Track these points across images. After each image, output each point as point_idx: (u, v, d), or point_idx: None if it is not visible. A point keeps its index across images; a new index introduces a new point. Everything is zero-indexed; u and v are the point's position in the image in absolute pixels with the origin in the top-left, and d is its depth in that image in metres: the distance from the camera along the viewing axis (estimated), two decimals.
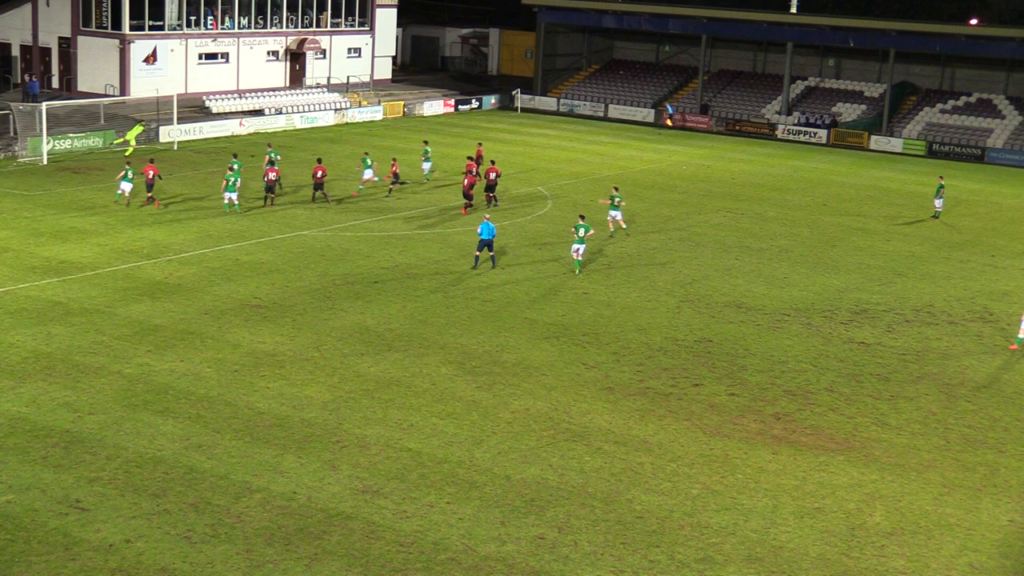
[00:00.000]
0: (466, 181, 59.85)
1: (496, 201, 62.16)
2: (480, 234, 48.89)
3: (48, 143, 71.87)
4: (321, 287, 45.85)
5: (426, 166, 68.34)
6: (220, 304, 42.75)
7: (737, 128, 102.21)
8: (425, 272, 48.99)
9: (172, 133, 79.94)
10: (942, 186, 66.52)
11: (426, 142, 71.55)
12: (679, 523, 27.58)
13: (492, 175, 61.69)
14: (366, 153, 66.99)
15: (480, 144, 67.93)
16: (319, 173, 59.63)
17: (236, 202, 56.10)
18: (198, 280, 45.84)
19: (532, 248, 54.21)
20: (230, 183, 55.17)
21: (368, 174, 64.16)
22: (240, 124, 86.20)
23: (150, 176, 58.49)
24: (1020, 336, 41.78)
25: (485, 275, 48.79)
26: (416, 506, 27.60)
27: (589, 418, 33.74)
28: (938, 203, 66.24)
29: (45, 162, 70.57)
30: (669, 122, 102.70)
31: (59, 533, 25.36)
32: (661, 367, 38.58)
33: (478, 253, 49.13)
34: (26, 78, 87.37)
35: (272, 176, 59.27)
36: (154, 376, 35.22)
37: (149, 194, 58.50)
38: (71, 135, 75.42)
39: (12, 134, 74.52)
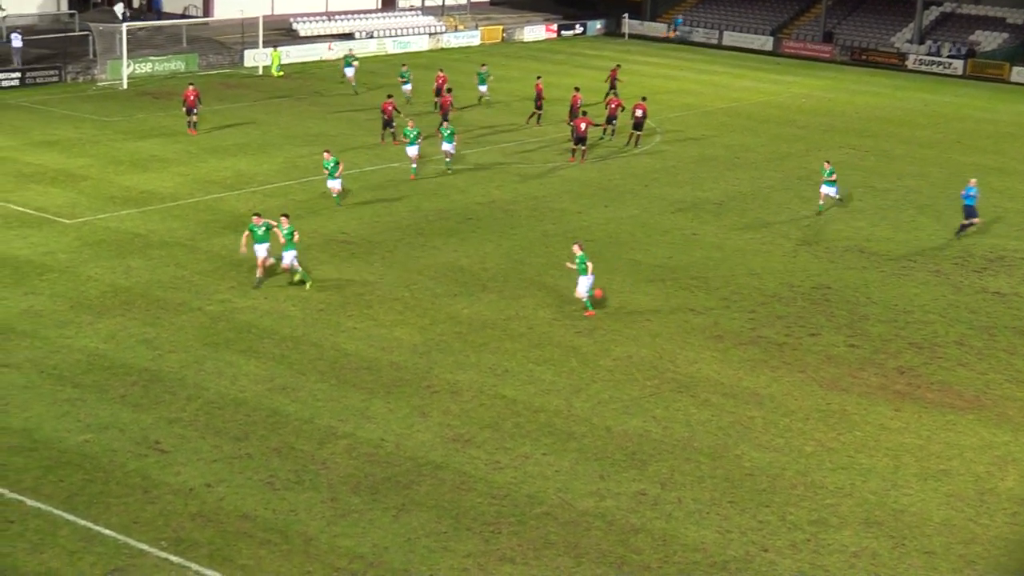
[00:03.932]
0: (583, 125, 57.69)
1: (619, 136, 62.13)
2: None
3: (128, 66, 72.85)
4: (413, 223, 46.02)
5: (483, 88, 69.56)
6: (305, 239, 43.06)
7: (863, 58, 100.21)
8: (523, 208, 48.92)
9: (257, 57, 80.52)
10: None
11: (484, 65, 72.20)
12: (791, 482, 27.38)
13: (639, 112, 61.28)
14: (483, 65, 67.88)
15: (539, 78, 67.21)
16: (389, 108, 58.79)
17: (338, 192, 47.97)
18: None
19: (638, 185, 53.85)
20: (329, 170, 47.79)
21: (483, 88, 68.20)
22: (329, 48, 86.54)
23: (191, 100, 58.81)
24: None
25: (586, 212, 48.61)
26: (510, 457, 27.72)
27: (696, 368, 33.56)
28: None
29: (125, 86, 71.59)
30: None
31: (138, 475, 25.91)
32: (775, 315, 38.20)
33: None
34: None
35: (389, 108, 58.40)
36: (237, 314, 35.70)
37: (190, 117, 58.92)
38: (152, 58, 76.39)
39: (91, 56, 75.64)
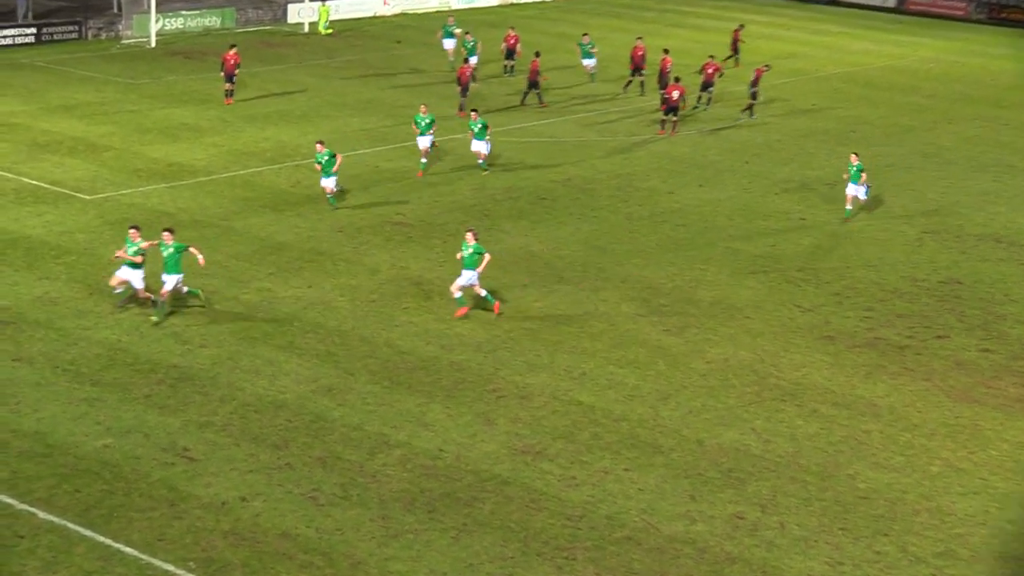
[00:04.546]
0: (675, 92, 57.28)
1: (703, 104, 61.88)
2: None
3: (157, 22, 73.51)
4: (477, 203, 46.06)
5: (588, 63, 66.90)
6: (356, 220, 43.30)
7: (1002, 16, 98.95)
8: (605, 188, 48.83)
9: (303, 13, 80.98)
10: None
11: (586, 35, 69.41)
12: (913, 507, 27.13)
13: (710, 70, 61.39)
14: (585, 35, 67.25)
15: (640, 39, 66.84)
16: (467, 73, 59.00)
17: (333, 192, 44.89)
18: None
19: (736, 161, 53.57)
20: (323, 165, 44.56)
21: (590, 63, 66.38)
22: (384, 3, 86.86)
23: (231, 64, 58.67)
24: None
25: (678, 193, 48.43)
26: (587, 472, 27.66)
27: (803, 373, 33.33)
28: None
29: (153, 44, 72.24)
30: None
31: (164, 486, 26.13)
32: (895, 313, 37.86)
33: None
34: None
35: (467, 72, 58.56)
36: (276, 304, 35.91)
37: (229, 85, 59.00)
38: (184, 13, 77.06)
39: (116, 10, 76.46)
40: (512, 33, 67.52)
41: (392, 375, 31.84)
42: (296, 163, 49.75)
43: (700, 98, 62.09)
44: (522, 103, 60.97)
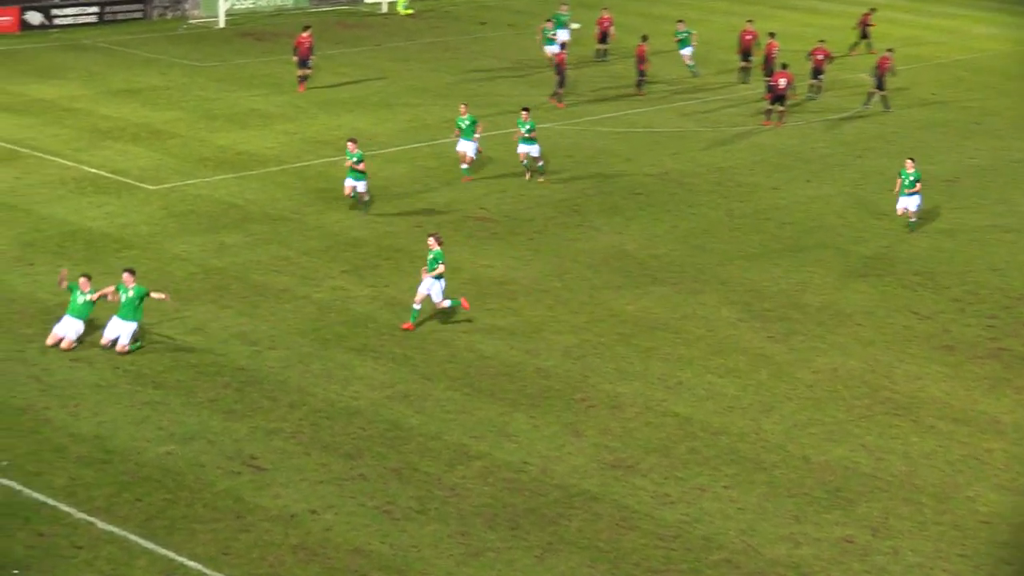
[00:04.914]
0: (782, 81, 56.93)
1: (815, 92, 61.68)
2: None
3: (226, 1, 74.20)
4: (567, 197, 46.12)
5: (686, 53, 65.96)
6: (436, 215, 43.47)
7: None
8: (704, 182, 48.71)
9: None
10: None
11: (681, 22, 68.24)
12: None
13: (820, 56, 61.18)
14: (680, 22, 67.13)
15: (750, 22, 66.43)
16: (564, 59, 59.05)
17: (359, 193, 43.75)
18: (409, 183, 46.73)
19: (848, 155, 53.23)
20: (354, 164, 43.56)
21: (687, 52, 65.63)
22: None
23: (305, 48, 58.79)
24: None
25: (783, 189, 48.23)
26: (682, 489, 27.63)
27: (919, 385, 33.08)
28: None
29: (222, 24, 72.99)
30: None
31: (229, 496, 26.39)
32: (1022, 322, 37.47)
33: None
34: None
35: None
36: (351, 304, 36.16)
37: (303, 70, 59.18)
38: None
39: None
40: (606, 15, 67.53)
41: (473, 381, 31.97)
42: (373, 152, 49.98)
43: (810, 87, 61.77)
44: (640, 92, 60.91)
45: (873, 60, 62.62)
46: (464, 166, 47.11)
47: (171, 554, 24.20)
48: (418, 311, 34.74)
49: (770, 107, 57.35)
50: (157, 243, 39.74)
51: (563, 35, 66.02)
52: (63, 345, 31.94)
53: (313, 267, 38.53)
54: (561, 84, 58.33)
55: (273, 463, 27.66)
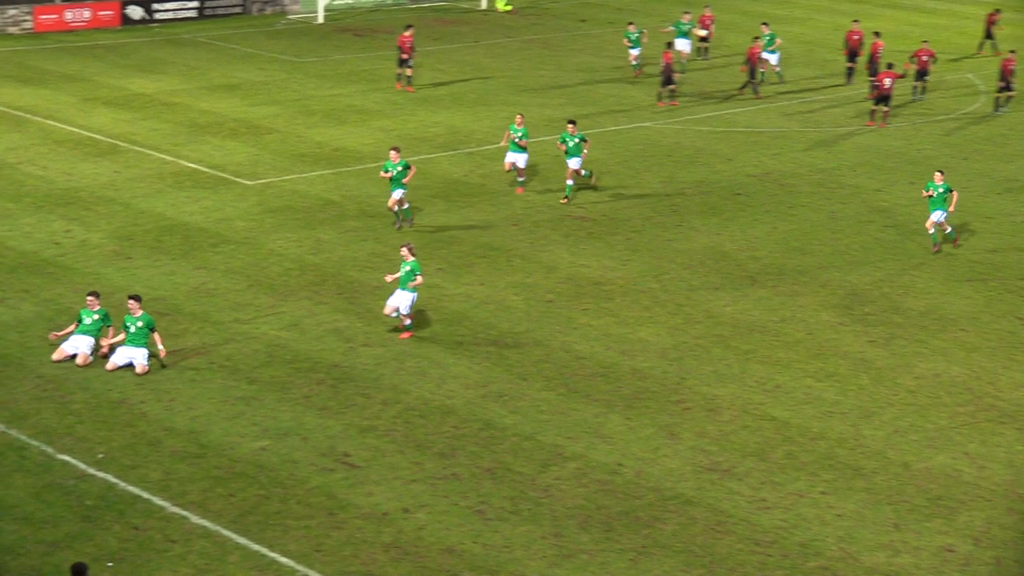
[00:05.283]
0: (887, 80, 55.97)
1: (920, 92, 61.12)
2: None
3: None
4: (665, 197, 46.04)
5: (772, 58, 63.54)
6: (533, 213, 43.58)
7: None
8: (805, 183, 48.41)
9: None
10: None
11: (766, 25, 65.66)
12: None
13: (924, 56, 60.72)
14: (765, 24, 66.73)
15: (856, 22, 65.82)
16: (671, 57, 59.00)
17: (403, 208, 41.99)
18: (506, 181, 46.78)
19: (954, 157, 52.69)
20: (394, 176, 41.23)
21: (772, 58, 63.34)
22: None
23: (407, 46, 58.54)
24: None
25: (887, 190, 47.83)
26: (779, 494, 27.50)
27: None
28: None
29: (321, 20, 73.57)
30: None
31: (322, 493, 26.60)
32: None
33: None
34: None
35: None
36: (446, 302, 36.31)
37: (403, 69, 58.89)
38: None
39: None
40: (707, 13, 67.29)
41: (568, 382, 32.01)
42: (470, 151, 50.23)
43: (914, 88, 61.24)
44: (756, 94, 60.46)
45: (997, 62, 61.92)
46: (520, 179, 45.98)
47: (263, 550, 24.45)
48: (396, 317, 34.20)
49: (874, 107, 56.91)
50: (253, 238, 40.13)
51: (683, 44, 64.51)
52: (78, 361, 31.26)
53: None
54: (666, 83, 57.76)
55: (366, 460, 27.85)
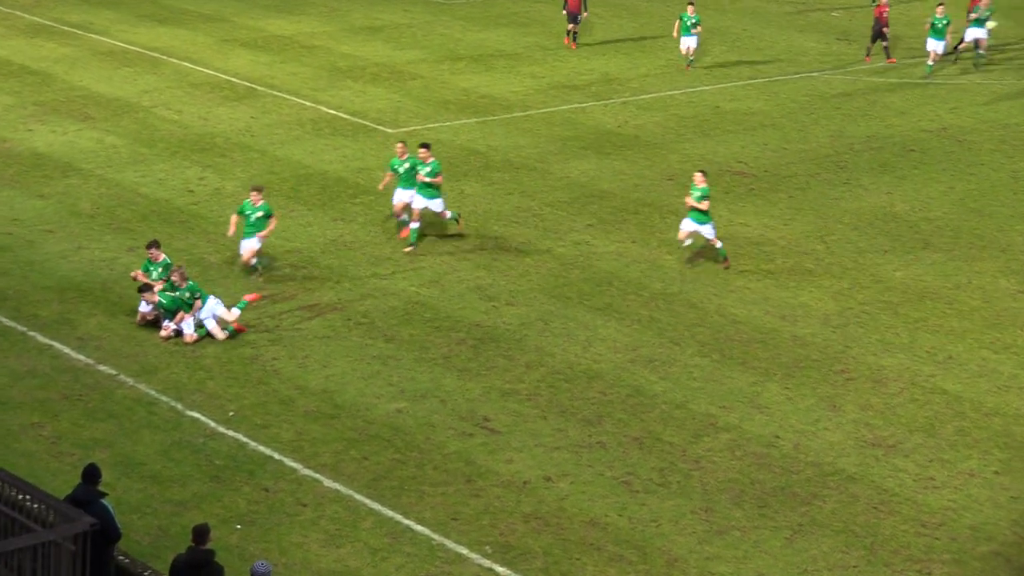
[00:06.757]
0: None
1: None
2: None
3: None
4: (833, 153, 45.57)
5: (980, 32, 58.55)
6: (690, 167, 43.25)
7: None
8: (986, 139, 47.70)
9: None
10: None
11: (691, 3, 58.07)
12: None
13: None
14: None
15: None
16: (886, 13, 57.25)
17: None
18: (662, 132, 46.62)
19: None
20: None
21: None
22: None
23: (575, 3, 56.95)
24: None
25: None
26: (949, 473, 27.16)
27: None
28: None
29: None
30: None
31: (460, 459, 26.72)
32: None
33: None
34: None
35: None
36: (595, 260, 36.26)
37: (572, 26, 57.98)
38: None
39: None
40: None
41: (723, 348, 31.83)
42: (624, 100, 50.03)
43: None
44: (867, 55, 58.45)
45: None
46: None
47: (398, 516, 24.63)
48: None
49: None
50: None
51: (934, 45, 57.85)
52: (186, 340, 30.55)
53: (556, 220, 38.70)
54: (881, 38, 56.03)
55: (507, 426, 27.92)
